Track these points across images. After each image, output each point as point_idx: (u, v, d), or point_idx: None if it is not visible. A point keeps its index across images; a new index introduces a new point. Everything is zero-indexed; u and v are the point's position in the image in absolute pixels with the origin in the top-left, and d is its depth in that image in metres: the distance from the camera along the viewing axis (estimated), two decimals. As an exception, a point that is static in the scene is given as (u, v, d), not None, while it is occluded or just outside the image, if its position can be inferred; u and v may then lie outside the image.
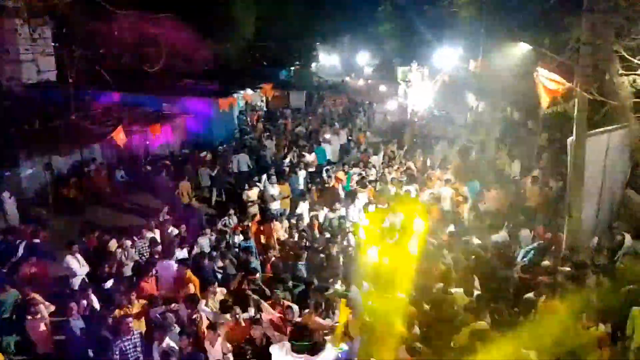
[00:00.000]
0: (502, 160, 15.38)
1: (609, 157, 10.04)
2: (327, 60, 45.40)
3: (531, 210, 12.05)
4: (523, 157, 15.10)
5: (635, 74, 9.43)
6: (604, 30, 8.78)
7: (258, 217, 11.40)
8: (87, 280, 9.09)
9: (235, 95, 22.32)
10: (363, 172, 14.05)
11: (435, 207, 11.92)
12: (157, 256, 9.37)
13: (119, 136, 14.73)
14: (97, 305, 7.79)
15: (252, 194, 12.45)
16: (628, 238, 9.06)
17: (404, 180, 13.60)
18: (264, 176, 13.02)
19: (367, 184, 12.94)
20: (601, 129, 9.96)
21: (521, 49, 16.10)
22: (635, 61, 9.54)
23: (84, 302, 7.59)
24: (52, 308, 7.61)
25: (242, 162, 15.45)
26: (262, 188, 12.78)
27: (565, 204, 9.66)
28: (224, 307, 7.26)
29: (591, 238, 9.70)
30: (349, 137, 19.25)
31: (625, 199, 10.80)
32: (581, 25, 8.69)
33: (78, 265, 9.09)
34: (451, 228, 10.72)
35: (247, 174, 14.96)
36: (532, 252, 9.20)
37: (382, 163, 15.71)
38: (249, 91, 24.68)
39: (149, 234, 10.31)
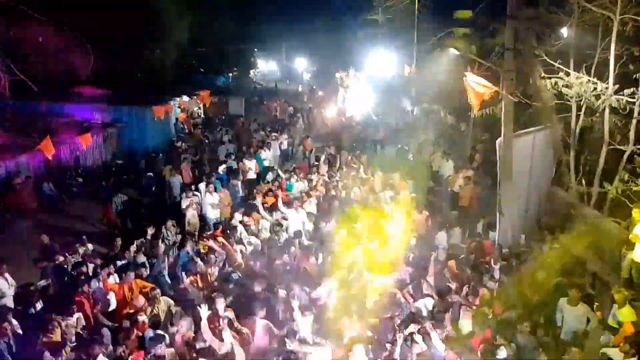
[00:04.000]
0: (437, 162, 15.87)
1: (535, 156, 10.59)
2: (265, 67, 45.31)
3: (464, 209, 12.51)
4: (456, 159, 15.66)
5: (556, 77, 10.00)
6: (526, 36, 9.29)
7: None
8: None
9: (171, 102, 21.74)
10: (310, 178, 14.06)
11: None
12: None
13: (47, 147, 13.93)
14: (19, 330, 7.27)
15: (189, 202, 12.07)
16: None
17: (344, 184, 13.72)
18: (202, 185, 12.70)
19: (311, 190, 12.93)
20: (527, 130, 10.50)
21: (451, 56, 16.75)
22: (556, 65, 10.15)
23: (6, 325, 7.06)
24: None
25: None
26: (200, 197, 12.46)
27: (496, 202, 10.11)
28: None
29: (521, 233, 10.18)
30: (290, 143, 19.21)
31: (551, 195, 11.42)
32: (505, 32, 9.16)
33: (7, 285, 8.48)
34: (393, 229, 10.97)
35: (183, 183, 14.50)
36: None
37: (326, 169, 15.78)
38: (185, 98, 24.14)
39: (82, 249, 9.81)
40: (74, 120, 18.32)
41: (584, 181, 10.60)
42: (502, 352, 6.35)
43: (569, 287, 7.57)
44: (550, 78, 9.92)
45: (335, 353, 6.15)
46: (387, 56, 23.87)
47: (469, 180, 13.38)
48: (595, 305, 7.57)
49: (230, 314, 7.14)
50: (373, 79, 26.01)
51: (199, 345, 6.49)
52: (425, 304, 7.57)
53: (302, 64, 40.87)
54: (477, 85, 9.19)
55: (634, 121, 9.61)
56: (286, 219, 11.24)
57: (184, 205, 11.95)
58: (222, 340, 6.49)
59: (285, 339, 6.46)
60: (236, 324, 6.95)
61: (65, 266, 9.19)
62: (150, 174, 15.22)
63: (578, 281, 8.56)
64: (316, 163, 15.86)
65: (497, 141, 9.82)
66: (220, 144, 19.01)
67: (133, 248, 9.76)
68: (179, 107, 23.79)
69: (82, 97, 19.95)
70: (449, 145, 17.43)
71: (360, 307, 7.61)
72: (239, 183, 13.98)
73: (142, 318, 7.23)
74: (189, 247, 9.90)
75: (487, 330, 6.83)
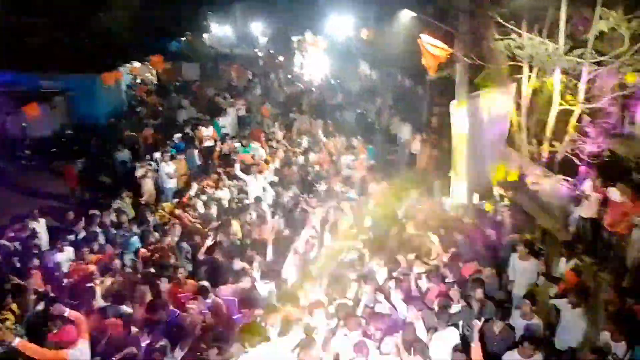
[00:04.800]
0: (395, 126, 15.99)
1: (489, 117, 10.80)
2: (220, 30, 43.81)
3: (421, 171, 12.72)
4: (414, 122, 15.79)
5: (509, 39, 10.08)
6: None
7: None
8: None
9: (120, 69, 20.84)
10: (270, 145, 13.93)
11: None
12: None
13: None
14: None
15: (144, 172, 11.77)
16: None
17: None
18: (157, 154, 12.38)
19: (270, 157, 12.82)
20: (480, 91, 10.65)
21: (408, 18, 16.65)
22: (509, 26, 10.23)
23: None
24: None
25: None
26: (155, 167, 12.17)
27: (451, 161, 10.33)
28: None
29: (473, 193, 10.47)
30: (247, 109, 18.87)
31: (505, 156, 11.69)
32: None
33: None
34: (353, 194, 11.09)
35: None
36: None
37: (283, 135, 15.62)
38: (136, 64, 23.20)
39: (34, 223, 9.50)
40: (18, 89, 17.37)
41: (535, 141, 10.88)
42: (456, 306, 6.62)
43: (520, 243, 7.88)
44: (503, 40, 9.99)
45: (296, 316, 6.22)
46: (345, 19, 23.49)
47: (425, 143, 13.58)
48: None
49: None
50: (331, 42, 25.64)
51: (158, 315, 6.43)
52: (385, 265, 7.72)
53: (258, 28, 39.66)
54: (432, 47, 9.22)
55: (583, 81, 9.86)
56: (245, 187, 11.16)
57: (138, 175, 11.66)
58: (185, 311, 6.50)
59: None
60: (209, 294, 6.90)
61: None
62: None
63: (529, 237, 8.94)
64: (273, 130, 15.70)
65: (451, 103, 9.95)
66: (179, 108, 18.55)
67: (88, 220, 9.52)
68: (129, 74, 22.90)
69: (26, 65, 18.86)
70: (407, 108, 17.53)
71: (321, 271, 7.71)
72: (196, 151, 13.72)
73: (97, 289, 7.11)
74: (146, 218, 9.75)
75: (441, 284, 7.06)
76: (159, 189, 11.99)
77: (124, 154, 13.83)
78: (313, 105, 19.43)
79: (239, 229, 9.32)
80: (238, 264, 7.65)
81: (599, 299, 7.44)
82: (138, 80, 24.27)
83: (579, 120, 10.09)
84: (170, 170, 11.97)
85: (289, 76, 25.69)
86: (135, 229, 9.34)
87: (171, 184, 11.90)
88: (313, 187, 11.47)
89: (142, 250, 8.54)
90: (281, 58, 30.35)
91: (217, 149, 13.61)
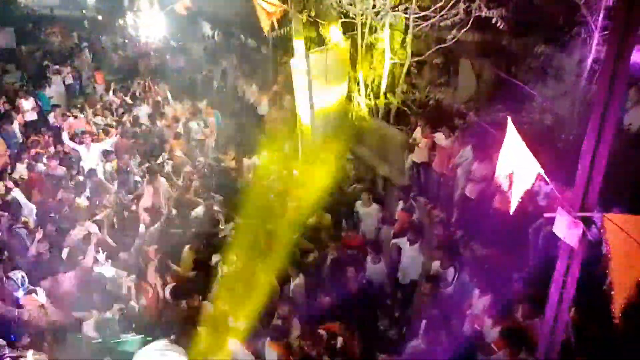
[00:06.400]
0: (241, 87, 15.70)
1: (328, 73, 11.04)
2: (37, -11, 38.51)
3: (270, 130, 12.75)
4: (260, 82, 15.65)
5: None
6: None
7: None
8: None
9: None
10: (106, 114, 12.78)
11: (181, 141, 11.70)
12: None
13: None
14: None
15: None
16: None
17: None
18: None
19: (108, 127, 11.78)
20: (318, 48, 10.81)
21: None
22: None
23: None
24: None
25: None
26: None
27: (297, 119, 10.46)
28: None
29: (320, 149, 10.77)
30: (75, 77, 17.01)
31: (347, 112, 12.14)
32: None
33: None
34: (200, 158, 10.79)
35: None
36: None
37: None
38: None
39: None
40: None
41: (372, 95, 11.46)
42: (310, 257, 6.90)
43: (362, 191, 8.36)
44: (332, -4, 10.18)
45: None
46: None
47: (273, 103, 13.56)
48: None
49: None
50: (167, 2, 24.01)
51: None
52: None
53: (84, -14, 35.63)
54: (267, 4, 9.06)
55: (410, 36, 10.54)
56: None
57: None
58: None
59: None
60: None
61: None
62: None
63: (370, 185, 9.52)
64: (108, 98, 14.44)
65: (291, 60, 9.98)
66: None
67: None
68: None
69: None
70: (252, 69, 17.28)
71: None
72: (16, 127, 12.06)
73: None
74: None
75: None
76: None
77: None
78: (152, 70, 18.20)
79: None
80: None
81: (432, 234, 8.24)
82: None
83: (409, 73, 10.82)
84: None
85: (124, 40, 23.64)
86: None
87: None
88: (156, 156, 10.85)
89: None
90: (111, 19, 27.69)
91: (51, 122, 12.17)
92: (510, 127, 3.62)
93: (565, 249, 3.68)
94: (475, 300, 5.92)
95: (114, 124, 12.29)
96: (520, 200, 3.56)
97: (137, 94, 15.12)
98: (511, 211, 3.62)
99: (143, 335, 5.76)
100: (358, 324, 6.02)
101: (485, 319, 5.57)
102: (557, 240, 3.70)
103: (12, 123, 11.93)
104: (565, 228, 3.53)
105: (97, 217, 8.03)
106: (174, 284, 6.57)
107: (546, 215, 3.95)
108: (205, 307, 6.16)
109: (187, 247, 7.42)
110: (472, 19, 9.05)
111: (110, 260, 6.95)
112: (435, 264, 6.70)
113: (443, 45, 10.01)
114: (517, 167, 3.56)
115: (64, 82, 16.00)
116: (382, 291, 7.32)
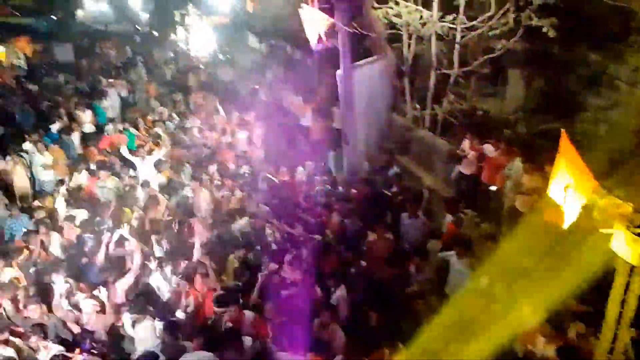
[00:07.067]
0: (286, 99, 15.92)
1: (373, 85, 11.10)
2: (95, 7, 40.52)
3: (317, 143, 12.85)
4: (304, 93, 15.82)
5: (386, 7, 10.34)
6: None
7: None
8: None
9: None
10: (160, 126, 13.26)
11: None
12: None
13: None
14: None
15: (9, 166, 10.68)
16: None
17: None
18: (27, 144, 11.17)
19: (159, 140, 12.21)
20: (365, 60, 10.89)
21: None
22: (386, -5, 10.48)
23: None
24: None
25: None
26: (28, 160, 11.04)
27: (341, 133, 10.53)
28: None
29: (364, 160, 10.82)
30: (130, 90, 17.71)
31: (390, 121, 12.14)
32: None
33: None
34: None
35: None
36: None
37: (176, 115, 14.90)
38: (0, 48, 20.78)
39: None
40: None
41: (417, 105, 11.39)
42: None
43: (408, 202, 8.29)
44: (381, 8, 10.23)
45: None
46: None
47: (316, 115, 13.66)
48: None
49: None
50: (216, 16, 24.72)
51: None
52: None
53: (136, 3, 37.20)
54: (313, 19, 9.21)
55: (457, 46, 10.44)
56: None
57: (8, 168, 10.56)
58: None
59: None
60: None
61: None
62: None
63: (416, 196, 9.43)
64: (160, 109, 14.97)
65: (336, 72, 10.08)
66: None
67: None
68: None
69: None
70: (298, 80, 17.49)
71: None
72: (76, 138, 12.66)
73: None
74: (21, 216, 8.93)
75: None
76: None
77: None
78: (202, 82, 18.76)
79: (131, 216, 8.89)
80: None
81: (481, 248, 8.06)
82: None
83: (456, 83, 10.70)
84: (46, 161, 10.96)
85: (175, 53, 24.46)
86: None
87: (48, 176, 10.89)
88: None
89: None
90: (163, 34, 28.75)
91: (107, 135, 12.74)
92: (564, 139, 3.55)
93: (623, 264, 3.55)
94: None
95: (166, 135, 12.66)
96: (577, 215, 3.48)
97: (189, 106, 15.61)
98: (565, 226, 3.53)
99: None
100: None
101: (537, 337, 5.41)
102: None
103: (71, 134, 12.53)
104: (624, 244, 3.40)
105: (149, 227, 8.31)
106: (221, 292, 6.66)
107: (602, 230, 3.81)
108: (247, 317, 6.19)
109: (231, 256, 7.57)
110: (521, 29, 8.87)
111: (160, 269, 7.15)
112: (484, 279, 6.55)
113: (491, 56, 9.86)
114: (572, 180, 3.47)
115: (119, 94, 16.67)
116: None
